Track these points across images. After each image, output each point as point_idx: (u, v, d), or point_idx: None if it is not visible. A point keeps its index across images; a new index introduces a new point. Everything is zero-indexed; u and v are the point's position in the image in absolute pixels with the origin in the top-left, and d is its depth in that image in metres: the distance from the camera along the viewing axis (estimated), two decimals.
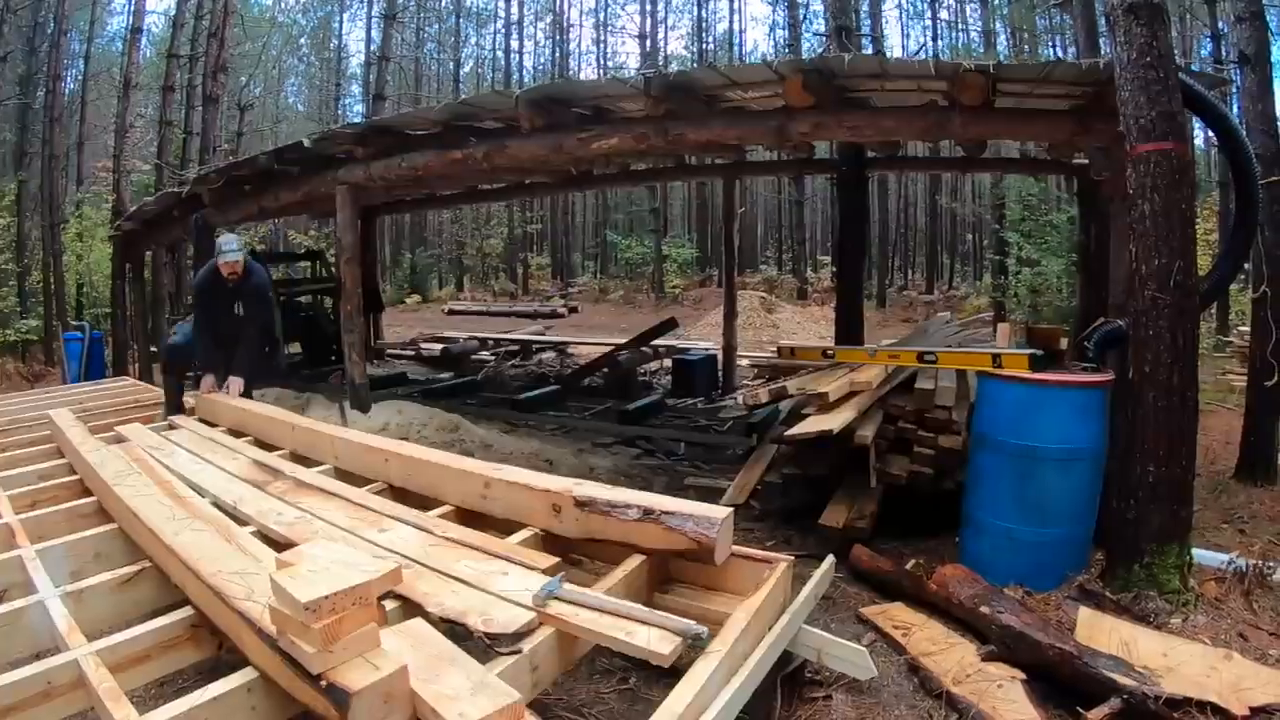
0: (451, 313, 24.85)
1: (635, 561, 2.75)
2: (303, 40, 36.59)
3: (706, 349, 11.61)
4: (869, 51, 15.80)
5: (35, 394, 6.80)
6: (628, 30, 36.81)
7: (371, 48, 29.25)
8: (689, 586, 2.85)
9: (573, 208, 37.31)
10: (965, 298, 23.68)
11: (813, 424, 4.24)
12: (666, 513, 2.64)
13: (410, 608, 2.34)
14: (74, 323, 14.05)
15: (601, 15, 37.42)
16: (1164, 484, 3.65)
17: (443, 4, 34.94)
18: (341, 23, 35.80)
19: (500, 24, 37.11)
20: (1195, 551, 3.82)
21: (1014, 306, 15.81)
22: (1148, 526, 3.67)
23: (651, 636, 2.14)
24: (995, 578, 3.68)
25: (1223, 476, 5.70)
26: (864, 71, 4.79)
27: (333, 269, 12.45)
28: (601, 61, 37.69)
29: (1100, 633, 3.24)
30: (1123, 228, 4.02)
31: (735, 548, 2.75)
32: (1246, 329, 7.55)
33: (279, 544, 2.78)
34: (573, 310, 24.68)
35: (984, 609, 3.31)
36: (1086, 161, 6.79)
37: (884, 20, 27.69)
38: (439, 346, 13.58)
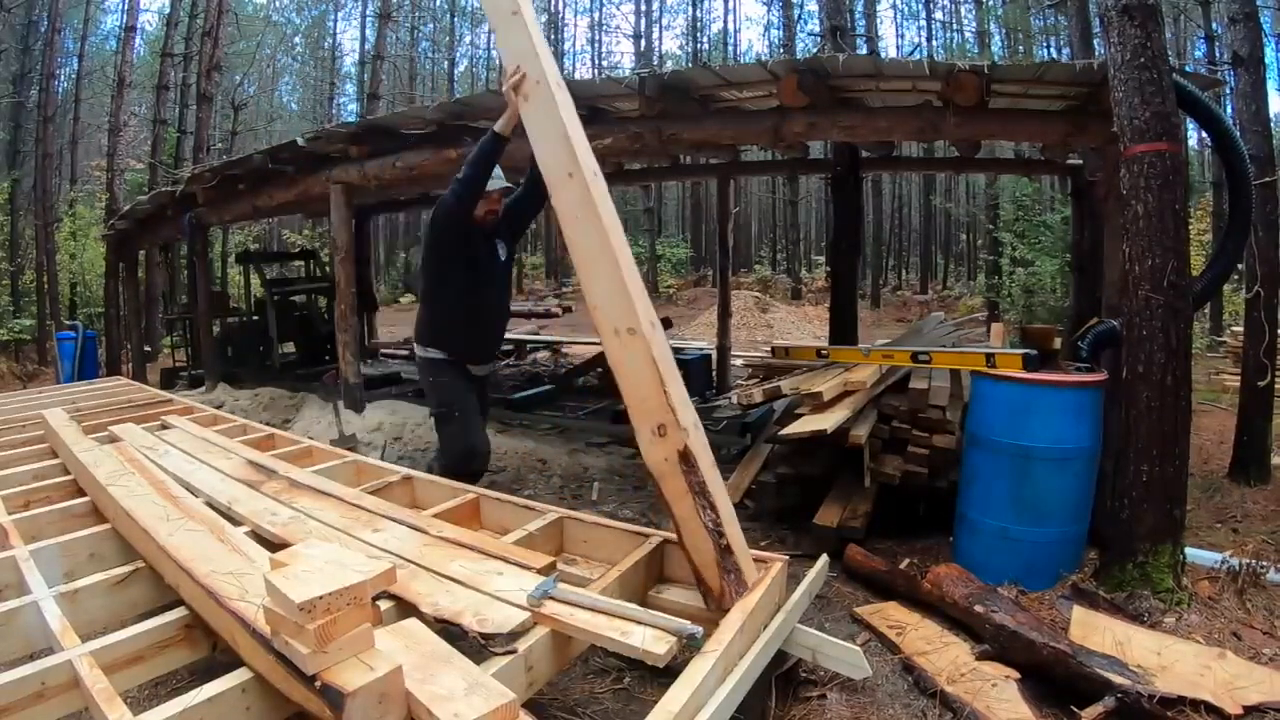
0: None
1: (630, 561, 2.75)
2: (297, 39, 36.60)
3: (701, 349, 11.61)
4: (863, 52, 15.82)
5: (28, 393, 6.77)
6: (622, 30, 36.87)
7: (366, 47, 29.28)
8: (683, 586, 2.85)
9: None
10: (959, 298, 23.76)
11: (807, 424, 4.24)
12: (726, 549, 2.56)
13: (405, 608, 2.34)
14: (67, 322, 14.04)
15: (596, 15, 37.51)
16: (1157, 483, 3.67)
17: (437, 3, 34.94)
18: (336, 21, 35.82)
19: None
20: (1189, 551, 3.83)
21: (1008, 306, 15.88)
22: (1141, 526, 3.69)
23: (647, 636, 2.15)
24: (989, 577, 3.69)
25: (1216, 476, 5.72)
26: (858, 72, 4.79)
27: (327, 268, 12.44)
28: (596, 61, 37.80)
29: (1094, 632, 3.25)
30: (1116, 228, 4.03)
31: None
32: (1240, 329, 7.58)
33: (273, 544, 2.77)
34: (566, 310, 24.54)
35: (978, 608, 3.32)
36: (1080, 162, 6.86)
37: (879, 20, 27.79)
38: None
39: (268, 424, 5.73)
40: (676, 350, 11.08)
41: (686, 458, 2.53)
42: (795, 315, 21.08)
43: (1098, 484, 4.02)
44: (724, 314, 10.43)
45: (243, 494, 3.39)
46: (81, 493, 3.66)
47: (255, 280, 12.64)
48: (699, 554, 2.58)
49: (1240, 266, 5.62)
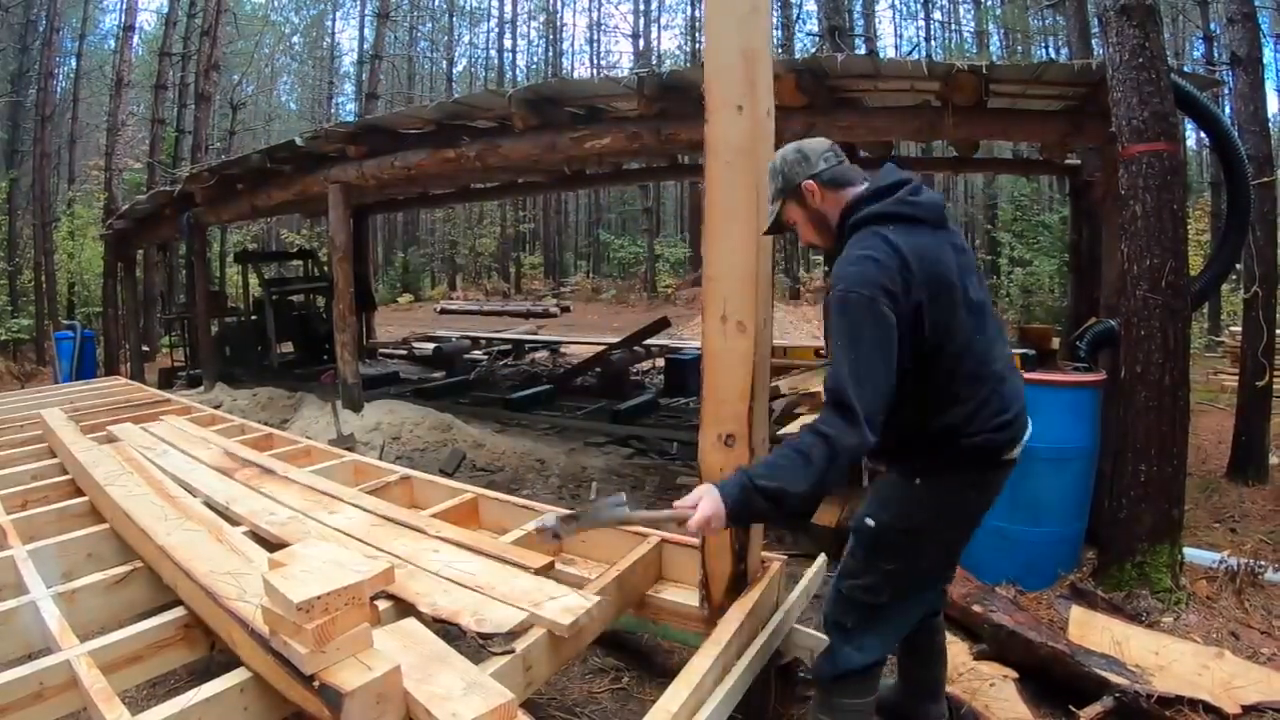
0: (444, 312, 24.83)
1: (629, 561, 2.75)
2: (295, 38, 36.58)
3: (699, 348, 11.61)
4: (862, 52, 15.82)
5: (26, 393, 6.76)
6: (620, 29, 36.87)
7: (364, 46, 29.25)
8: (682, 586, 2.85)
9: (565, 207, 37.31)
10: None
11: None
12: (742, 574, 2.57)
13: (403, 607, 2.33)
14: (65, 322, 14.03)
15: (594, 14, 37.47)
16: (1155, 483, 3.67)
17: (436, 2, 34.93)
18: (334, 21, 35.83)
19: (493, 23, 37.19)
20: (1187, 550, 3.84)
21: (1006, 306, 15.87)
22: (1140, 526, 3.69)
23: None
24: (987, 576, 3.69)
25: (1214, 476, 5.72)
26: (857, 72, 4.79)
27: (325, 268, 12.44)
28: (594, 60, 37.74)
29: (1092, 631, 3.25)
30: (1114, 228, 4.04)
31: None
32: (1238, 329, 7.58)
33: (271, 544, 2.77)
34: (565, 310, 24.67)
35: (976, 608, 3.32)
36: (1078, 162, 6.86)
37: (877, 20, 27.76)
38: (431, 346, 13.56)
39: (266, 424, 5.72)
40: (675, 350, 11.15)
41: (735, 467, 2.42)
42: (793, 315, 21.02)
43: (1096, 484, 4.02)
44: None
45: (241, 493, 3.38)
46: (80, 492, 3.66)
47: (253, 280, 12.63)
48: (715, 567, 2.57)
49: (1239, 266, 5.62)
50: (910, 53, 26.37)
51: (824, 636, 2.76)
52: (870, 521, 2.24)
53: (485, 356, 13.30)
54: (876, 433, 1.90)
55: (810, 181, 2.19)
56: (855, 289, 1.96)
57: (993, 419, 2.10)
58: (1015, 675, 2.98)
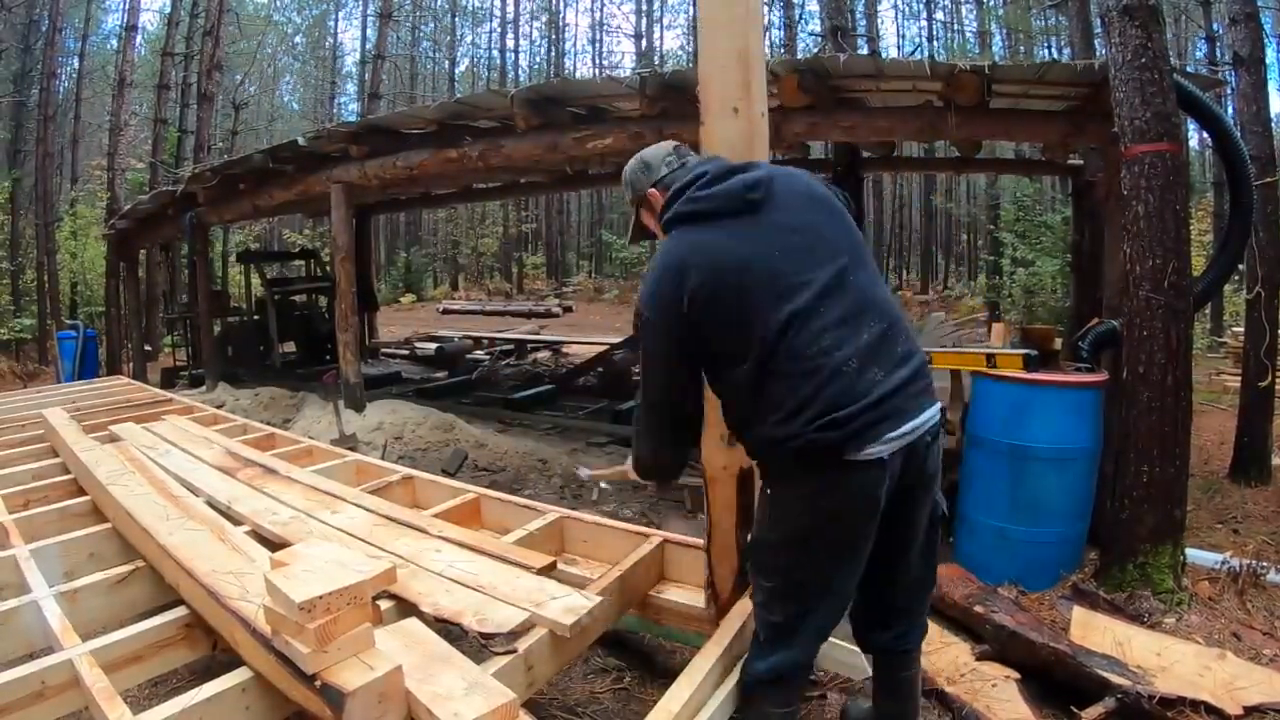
0: (446, 312, 24.80)
1: (631, 561, 2.75)
2: (298, 38, 36.57)
3: None
4: (864, 52, 15.81)
5: (29, 393, 6.78)
6: (623, 29, 36.86)
7: (367, 46, 29.24)
8: (684, 586, 2.85)
9: (567, 207, 37.29)
10: (960, 298, 23.69)
11: None
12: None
13: (405, 607, 2.34)
14: (68, 321, 14.02)
15: (597, 14, 37.48)
16: (1158, 484, 3.67)
17: (438, 3, 34.92)
18: (337, 21, 35.84)
19: (496, 23, 37.17)
20: (1189, 551, 3.83)
21: (1008, 306, 15.83)
22: (1142, 526, 3.68)
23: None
24: (989, 577, 3.69)
25: (1217, 477, 5.71)
26: (859, 72, 4.79)
27: (327, 268, 12.45)
28: (597, 60, 37.73)
29: (1094, 632, 3.24)
30: (1117, 228, 4.03)
31: None
32: (1240, 330, 7.57)
33: (273, 544, 2.78)
34: (567, 309, 24.63)
35: (978, 608, 3.32)
36: (1081, 162, 6.85)
37: (879, 20, 27.73)
38: (433, 345, 13.56)
39: (268, 424, 5.73)
40: None
41: (746, 477, 2.47)
42: None
43: (1098, 484, 4.01)
44: None
45: (244, 493, 3.39)
46: (82, 492, 3.67)
47: (256, 280, 12.63)
48: (722, 565, 2.57)
49: (1241, 267, 5.61)
50: (913, 53, 26.36)
51: None
52: (747, 535, 2.18)
53: (487, 356, 13.29)
54: (668, 446, 2.16)
55: (653, 190, 2.18)
56: (641, 309, 2.03)
57: (817, 419, 1.84)
58: (1017, 676, 2.98)
